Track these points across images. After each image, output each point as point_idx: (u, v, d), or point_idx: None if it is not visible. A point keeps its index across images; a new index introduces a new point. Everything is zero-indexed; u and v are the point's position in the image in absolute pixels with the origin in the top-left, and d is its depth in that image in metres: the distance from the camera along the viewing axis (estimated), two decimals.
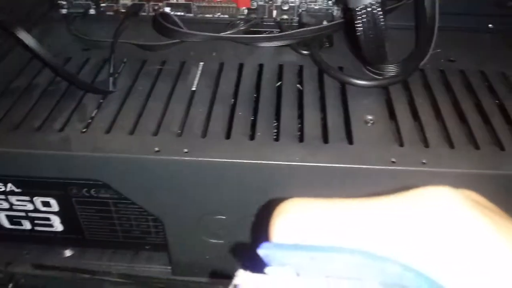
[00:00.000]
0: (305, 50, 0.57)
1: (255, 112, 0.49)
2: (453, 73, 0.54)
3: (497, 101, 0.50)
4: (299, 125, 0.47)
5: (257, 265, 0.17)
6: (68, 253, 0.57)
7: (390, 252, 0.16)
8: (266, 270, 0.17)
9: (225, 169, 0.43)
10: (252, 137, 0.45)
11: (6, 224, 0.53)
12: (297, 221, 0.18)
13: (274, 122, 0.48)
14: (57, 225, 0.53)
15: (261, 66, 0.56)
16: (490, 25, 0.63)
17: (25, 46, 0.46)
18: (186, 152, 0.43)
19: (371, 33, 0.42)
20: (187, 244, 0.50)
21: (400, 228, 0.17)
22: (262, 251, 0.17)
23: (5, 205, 0.51)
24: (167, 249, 0.52)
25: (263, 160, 0.42)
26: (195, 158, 0.43)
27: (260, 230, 0.45)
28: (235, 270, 0.16)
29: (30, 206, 0.51)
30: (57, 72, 0.50)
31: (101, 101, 0.51)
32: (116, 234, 0.53)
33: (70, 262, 0.56)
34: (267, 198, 0.45)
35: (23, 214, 0.52)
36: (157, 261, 0.56)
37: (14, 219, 0.53)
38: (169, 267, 0.54)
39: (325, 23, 0.60)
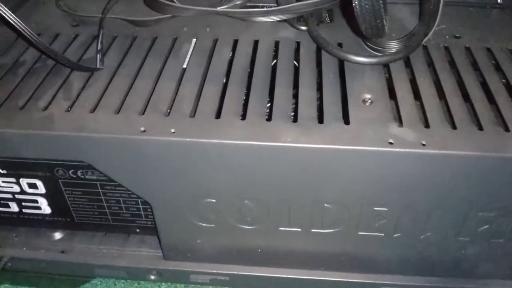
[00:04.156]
0: (302, 26, 0.55)
1: (248, 91, 0.46)
2: (458, 50, 0.51)
3: (503, 80, 0.47)
4: (294, 105, 0.45)
5: None
6: (57, 236, 0.56)
7: None
8: None
9: (213, 150, 0.41)
10: (243, 117, 0.43)
11: None
12: None
13: (268, 102, 0.45)
14: (45, 207, 0.51)
15: (256, 42, 0.54)
16: (499, 0, 0.59)
17: (7, 23, 0.44)
18: (173, 132, 0.41)
19: (367, 3, 0.39)
20: (177, 228, 0.49)
21: None
22: None
23: None
24: (156, 233, 0.50)
25: (253, 141, 0.40)
26: (182, 139, 0.41)
27: None
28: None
29: (16, 188, 0.49)
30: (41, 50, 0.48)
31: (88, 79, 0.49)
32: (105, 217, 0.52)
33: (59, 245, 0.55)
34: (258, 181, 0.43)
35: (9, 196, 0.50)
36: (149, 245, 0.55)
37: (2, 201, 0.51)
38: (161, 252, 0.53)
39: None
